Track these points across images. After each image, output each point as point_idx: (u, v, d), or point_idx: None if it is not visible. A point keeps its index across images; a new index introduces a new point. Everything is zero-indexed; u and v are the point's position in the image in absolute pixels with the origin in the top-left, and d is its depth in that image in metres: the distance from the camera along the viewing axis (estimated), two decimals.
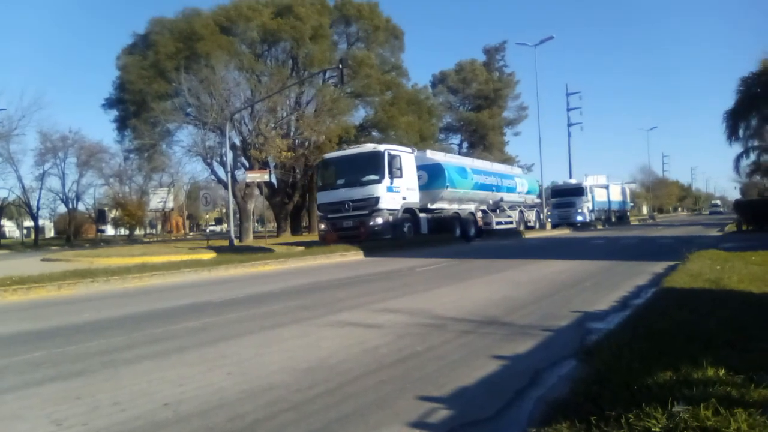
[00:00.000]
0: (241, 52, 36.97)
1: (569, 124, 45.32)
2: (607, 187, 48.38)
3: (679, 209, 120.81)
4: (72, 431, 3.16)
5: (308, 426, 3.17)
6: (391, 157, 21.00)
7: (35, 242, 51.09)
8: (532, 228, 32.32)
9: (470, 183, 26.60)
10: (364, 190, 20.68)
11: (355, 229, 20.56)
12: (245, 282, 11.45)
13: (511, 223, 29.81)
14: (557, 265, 12.31)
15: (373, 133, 43.23)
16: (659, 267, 10.46)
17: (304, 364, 4.46)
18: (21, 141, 49.51)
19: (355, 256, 16.77)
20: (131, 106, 37.35)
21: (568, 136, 45.34)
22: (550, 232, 33.10)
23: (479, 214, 27.51)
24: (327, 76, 39.16)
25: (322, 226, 21.95)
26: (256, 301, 8.50)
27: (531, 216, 33.03)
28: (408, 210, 21.89)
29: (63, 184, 51.15)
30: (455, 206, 25.98)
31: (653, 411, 2.67)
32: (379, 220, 20.20)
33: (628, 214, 57.16)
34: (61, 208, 57.62)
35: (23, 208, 53.14)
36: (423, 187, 23.52)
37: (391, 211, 20.77)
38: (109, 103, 40.87)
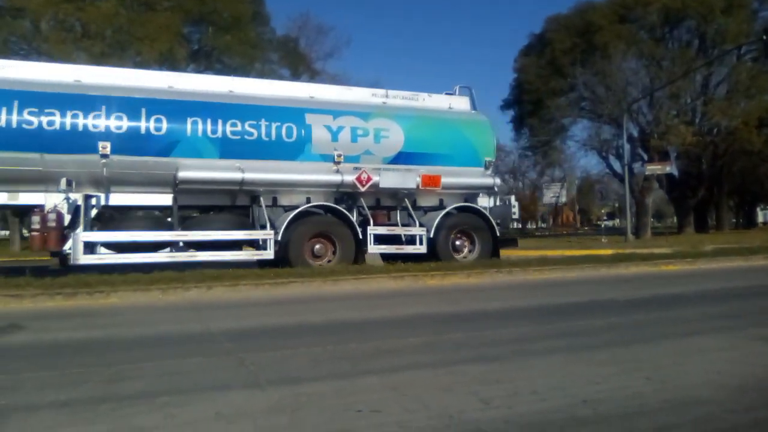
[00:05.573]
0: (639, 39, 34.99)
1: None
2: None
3: None
4: (498, 411, 3.34)
5: None
6: None
7: None
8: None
9: None
10: None
11: None
12: (647, 281, 10.75)
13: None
14: None
15: None
16: None
17: (734, 381, 3.88)
18: None
19: None
20: (528, 105, 39.02)
21: None
22: None
23: None
24: (743, 51, 34.08)
25: None
26: (665, 302, 7.86)
27: (419, 233, 12.85)
28: None
29: None
30: None
31: None
32: None
33: None
34: None
35: None
36: None
37: None
38: (506, 105, 43.47)
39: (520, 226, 71.77)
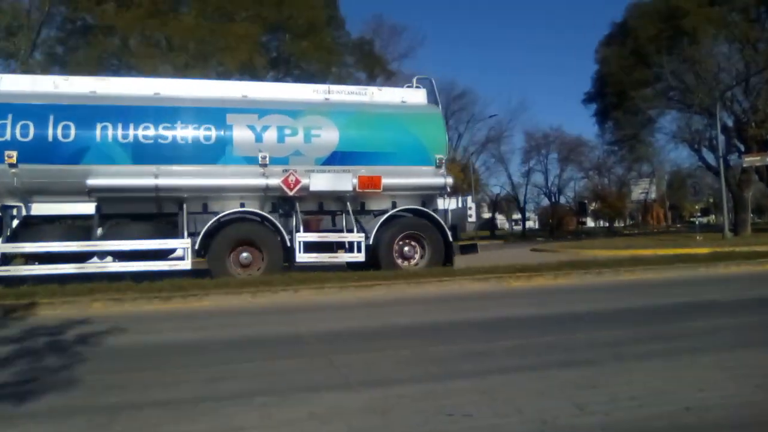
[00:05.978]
0: (731, 21, 32.97)
1: None
2: None
3: None
4: (594, 418, 3.22)
5: None
6: None
7: (522, 233, 57.04)
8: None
9: None
10: None
11: None
12: (750, 281, 10.17)
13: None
14: None
15: None
16: None
17: None
18: (509, 142, 56.72)
19: None
20: (611, 98, 37.57)
21: None
22: None
23: None
24: None
25: None
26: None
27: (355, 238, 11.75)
28: None
29: (546, 179, 56.71)
30: None
31: None
32: None
33: None
34: (544, 202, 63.10)
35: (512, 202, 60.22)
36: None
37: None
38: (589, 98, 42.04)
39: (607, 224, 69.31)
